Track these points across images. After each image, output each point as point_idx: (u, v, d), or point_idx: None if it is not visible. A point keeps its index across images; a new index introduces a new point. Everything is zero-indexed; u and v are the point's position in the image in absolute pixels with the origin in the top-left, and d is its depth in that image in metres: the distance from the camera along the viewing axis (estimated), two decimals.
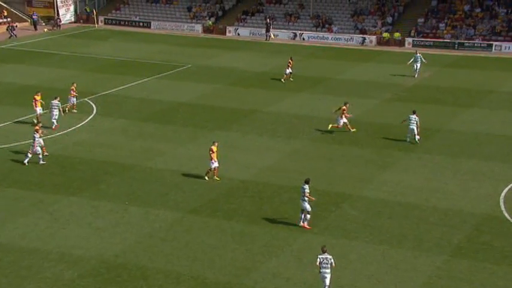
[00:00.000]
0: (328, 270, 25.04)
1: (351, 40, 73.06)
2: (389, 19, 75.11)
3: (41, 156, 37.70)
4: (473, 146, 41.05)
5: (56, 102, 43.25)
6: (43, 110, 44.32)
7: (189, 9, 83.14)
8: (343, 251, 28.37)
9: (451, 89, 53.72)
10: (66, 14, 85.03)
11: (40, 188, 34.83)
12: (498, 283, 26.37)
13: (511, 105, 49.48)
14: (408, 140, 41.02)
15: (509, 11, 72.16)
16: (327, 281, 25.06)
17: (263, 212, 32.17)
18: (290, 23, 77.74)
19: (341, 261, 26.80)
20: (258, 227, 30.56)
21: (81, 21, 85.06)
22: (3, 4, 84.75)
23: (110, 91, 53.09)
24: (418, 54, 57.82)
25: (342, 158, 39.18)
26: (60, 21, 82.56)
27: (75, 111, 46.95)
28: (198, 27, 79.59)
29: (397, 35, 71.91)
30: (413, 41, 70.70)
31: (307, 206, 30.25)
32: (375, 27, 74.32)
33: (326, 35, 74.43)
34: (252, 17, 79.88)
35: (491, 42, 68.48)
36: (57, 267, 27.27)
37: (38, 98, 44.29)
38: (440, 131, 42.08)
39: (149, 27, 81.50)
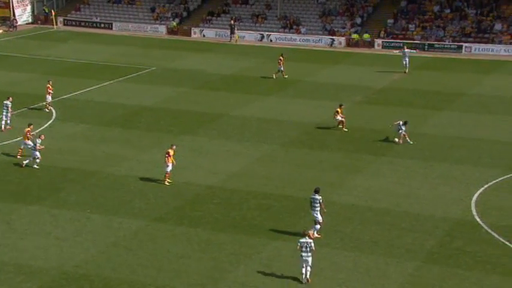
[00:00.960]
0: (310, 254, 25.86)
1: (319, 41, 72.65)
2: (358, 20, 74.78)
3: (38, 160, 37.44)
4: (445, 149, 41.00)
5: (7, 102, 43.02)
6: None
7: (153, 9, 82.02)
8: (313, 258, 27.76)
9: (421, 92, 53.59)
10: (23, 15, 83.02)
11: None
12: None
13: (481, 108, 49.47)
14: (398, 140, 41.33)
15: (479, 12, 72.24)
16: (309, 263, 25.92)
17: (231, 219, 31.86)
18: (257, 24, 77.04)
19: (311, 269, 26.47)
20: (226, 235, 30.24)
21: (39, 22, 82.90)
22: None
23: (70, 95, 51.98)
24: (406, 50, 59.11)
25: (311, 162, 38.92)
26: (17, 22, 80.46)
27: (47, 110, 46.83)
28: (162, 29, 78.60)
29: (366, 36, 71.61)
30: (383, 42, 70.39)
31: (320, 217, 29.63)
32: (344, 28, 73.96)
33: (294, 36, 73.94)
34: (218, 18, 79.06)
35: (461, 44, 68.54)
36: (15, 279, 26.60)
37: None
38: (411, 134, 41.81)
39: (111, 28, 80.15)
